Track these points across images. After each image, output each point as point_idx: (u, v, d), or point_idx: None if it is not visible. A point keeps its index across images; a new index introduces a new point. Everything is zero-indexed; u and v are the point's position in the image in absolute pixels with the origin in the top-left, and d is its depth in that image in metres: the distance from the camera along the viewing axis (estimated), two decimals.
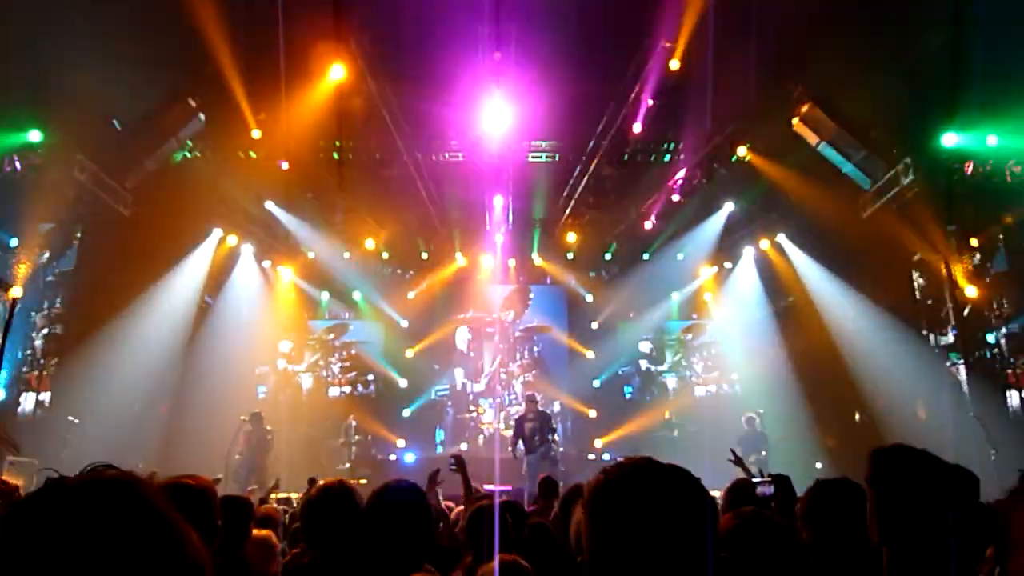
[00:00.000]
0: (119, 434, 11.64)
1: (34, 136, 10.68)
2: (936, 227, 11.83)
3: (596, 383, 17.72)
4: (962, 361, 11.84)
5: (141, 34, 10.03)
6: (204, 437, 12.91)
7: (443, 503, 6.20)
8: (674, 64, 11.36)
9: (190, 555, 0.99)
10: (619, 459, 1.44)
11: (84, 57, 9.63)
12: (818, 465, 13.63)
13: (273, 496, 8.08)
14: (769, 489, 3.75)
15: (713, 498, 1.45)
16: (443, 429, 17.65)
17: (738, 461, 6.00)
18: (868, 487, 2.04)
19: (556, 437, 13.39)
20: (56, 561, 0.90)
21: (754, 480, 3.98)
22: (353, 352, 17.90)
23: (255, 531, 3.75)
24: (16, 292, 10.53)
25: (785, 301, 16.08)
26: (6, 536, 0.92)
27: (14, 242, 10.88)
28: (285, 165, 13.36)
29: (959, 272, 11.70)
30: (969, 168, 11.51)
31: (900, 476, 1.97)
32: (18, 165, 10.92)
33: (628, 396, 18.03)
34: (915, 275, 12.67)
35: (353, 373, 17.75)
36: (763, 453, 13.07)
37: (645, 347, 18.29)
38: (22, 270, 10.80)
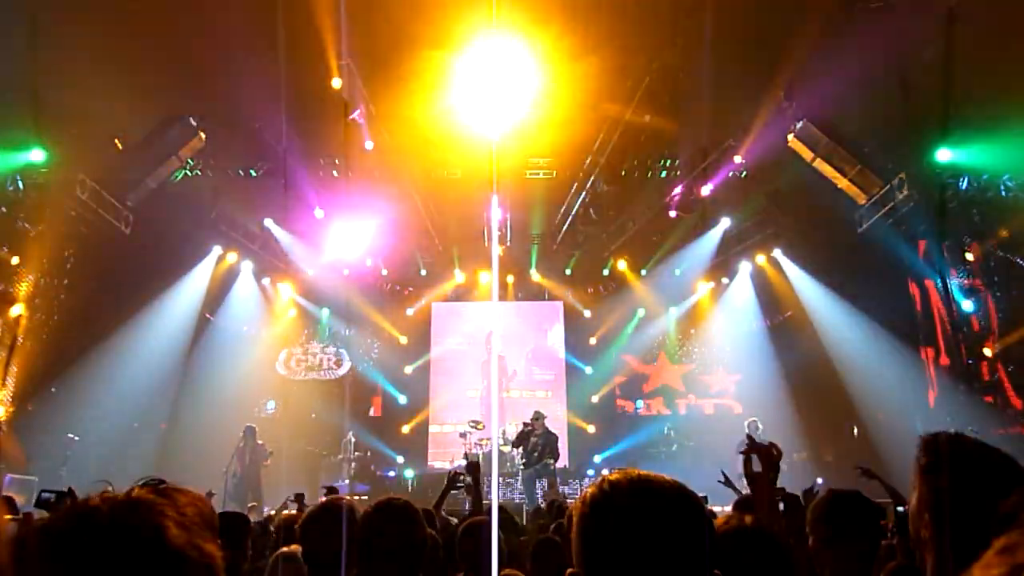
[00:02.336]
0: (119, 451, 11.66)
1: (36, 156, 10.74)
2: (931, 241, 11.92)
3: (595, 399, 17.70)
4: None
5: (143, 54, 10.13)
6: (204, 454, 12.93)
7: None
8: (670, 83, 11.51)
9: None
10: (607, 472, 1.43)
11: (86, 77, 9.73)
12: (819, 480, 13.60)
13: (284, 513, 7.89)
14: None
15: (709, 513, 1.42)
16: None
17: (727, 483, 5.89)
18: (921, 476, 1.80)
19: (553, 460, 13.07)
20: None
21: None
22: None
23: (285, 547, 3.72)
24: (17, 310, 10.58)
25: (782, 316, 16.12)
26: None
27: (15, 260, 10.93)
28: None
29: (954, 286, 11.76)
30: (963, 183, 11.59)
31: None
32: (20, 184, 10.99)
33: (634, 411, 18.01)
34: (911, 289, 12.70)
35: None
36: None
37: None
38: (24, 288, 10.84)
